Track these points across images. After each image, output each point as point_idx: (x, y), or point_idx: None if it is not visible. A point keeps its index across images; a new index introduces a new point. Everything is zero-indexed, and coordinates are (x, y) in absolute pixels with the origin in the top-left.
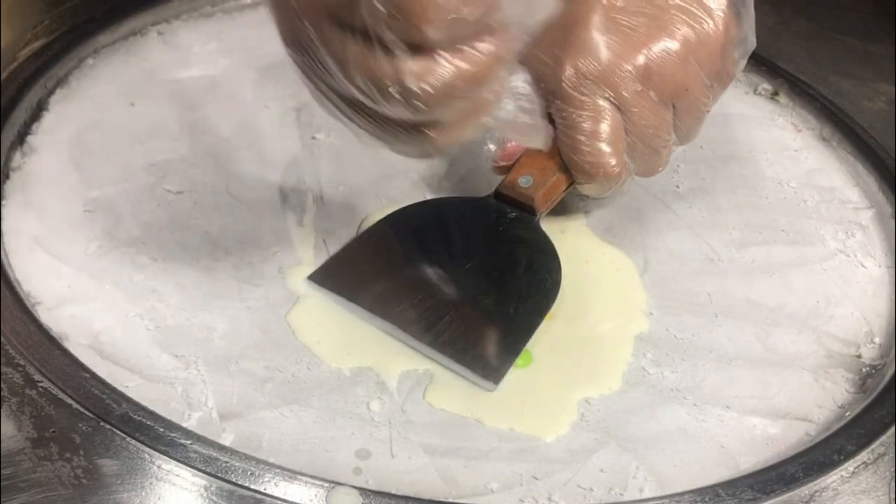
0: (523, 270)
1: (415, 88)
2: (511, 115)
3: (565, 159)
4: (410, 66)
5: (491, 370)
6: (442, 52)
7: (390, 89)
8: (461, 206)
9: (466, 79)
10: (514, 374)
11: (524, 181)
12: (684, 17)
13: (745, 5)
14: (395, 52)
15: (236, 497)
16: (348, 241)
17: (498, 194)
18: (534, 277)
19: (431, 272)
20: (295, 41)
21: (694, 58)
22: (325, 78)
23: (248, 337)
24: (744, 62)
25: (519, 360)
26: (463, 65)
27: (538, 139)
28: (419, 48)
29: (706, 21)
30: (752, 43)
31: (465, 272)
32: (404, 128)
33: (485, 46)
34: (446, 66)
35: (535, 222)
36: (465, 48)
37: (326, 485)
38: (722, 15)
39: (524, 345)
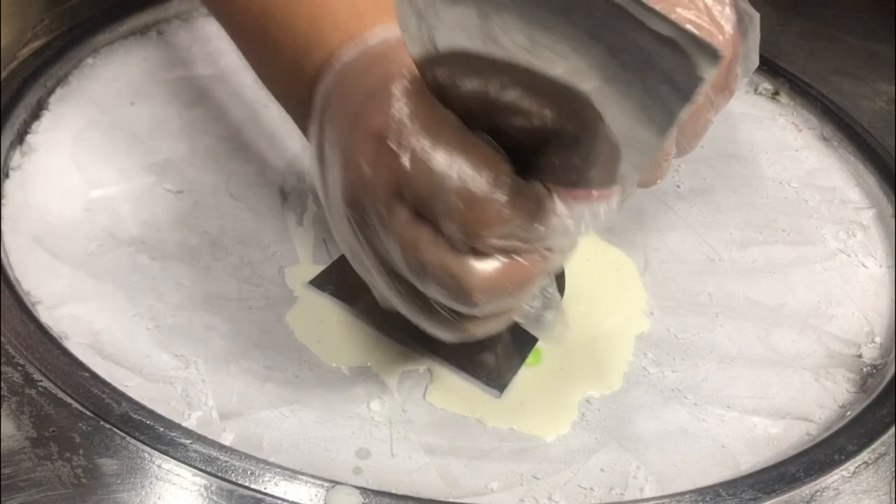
0: None
1: (470, 284)
2: (537, 311)
3: None
4: (472, 264)
5: (495, 378)
6: (501, 258)
7: (446, 280)
8: None
9: (517, 284)
10: (517, 374)
11: None
12: (696, 31)
13: (752, 25)
14: (460, 248)
15: (236, 497)
16: None
17: None
18: None
19: None
20: (357, 203)
21: None
22: (376, 246)
23: (248, 337)
24: (745, 80)
25: (529, 359)
26: (518, 271)
27: (559, 334)
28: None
29: (716, 38)
30: (754, 62)
31: None
32: (438, 310)
33: (535, 259)
34: (503, 271)
35: None
36: (519, 259)
37: (326, 484)
38: (731, 32)
39: (529, 350)
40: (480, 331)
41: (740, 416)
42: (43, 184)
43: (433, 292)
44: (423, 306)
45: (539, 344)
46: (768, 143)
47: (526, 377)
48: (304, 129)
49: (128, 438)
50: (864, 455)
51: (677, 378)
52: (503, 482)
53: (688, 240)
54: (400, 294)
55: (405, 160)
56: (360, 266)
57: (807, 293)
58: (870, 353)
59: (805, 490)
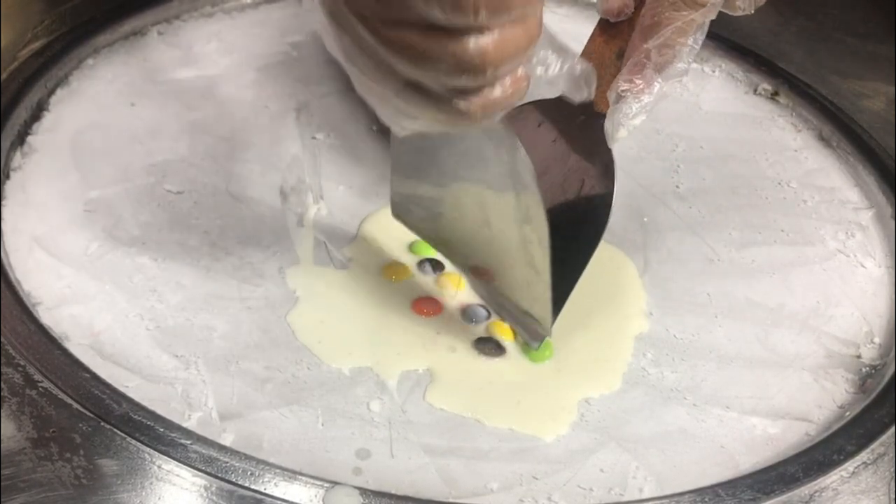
0: (578, 201)
1: (473, 50)
2: (552, 69)
3: None
4: (476, 38)
5: (535, 333)
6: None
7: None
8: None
9: (519, 46)
10: (515, 374)
11: None
12: None
13: None
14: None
15: (236, 497)
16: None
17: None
18: (586, 210)
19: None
20: (348, 52)
21: None
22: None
23: (248, 337)
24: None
25: (541, 353)
26: (514, 31)
27: (583, 87)
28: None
29: None
30: None
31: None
32: (447, 97)
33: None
34: (501, 35)
35: (598, 128)
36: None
37: (326, 485)
38: None
39: (563, 302)
40: (493, 105)
41: (739, 417)
42: (43, 184)
43: (447, 69)
44: (430, 98)
45: (570, 334)
46: (768, 143)
47: (525, 377)
48: None
49: (128, 439)
50: (864, 455)
51: (676, 378)
52: (503, 482)
53: (687, 240)
54: (412, 95)
55: None
56: (366, 88)
57: (806, 293)
58: (869, 353)
59: (804, 490)
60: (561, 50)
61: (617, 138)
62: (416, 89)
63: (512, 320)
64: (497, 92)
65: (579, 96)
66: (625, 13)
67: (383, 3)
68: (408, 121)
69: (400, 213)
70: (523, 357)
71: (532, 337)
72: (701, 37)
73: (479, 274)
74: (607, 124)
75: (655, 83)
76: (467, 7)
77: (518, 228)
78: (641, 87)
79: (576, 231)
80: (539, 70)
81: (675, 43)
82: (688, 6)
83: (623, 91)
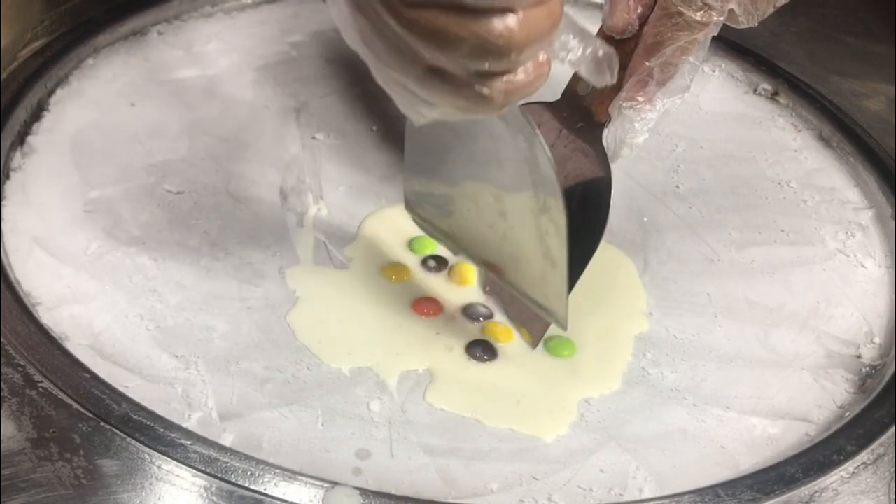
0: (575, 206)
1: (498, 30)
2: (575, 52)
3: None
4: (502, 19)
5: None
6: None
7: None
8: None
9: (542, 28)
10: (515, 374)
11: (583, 86)
12: None
13: None
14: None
15: (236, 497)
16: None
17: (565, 100)
18: (583, 215)
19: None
20: (368, 39)
21: None
22: (396, 41)
23: (248, 337)
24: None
25: (564, 351)
26: (538, 13)
27: (608, 70)
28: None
29: None
30: None
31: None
32: (470, 82)
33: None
34: (525, 16)
35: (596, 137)
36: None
37: (326, 485)
38: None
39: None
40: (516, 91)
41: (739, 417)
42: (43, 184)
43: (465, 52)
44: (452, 84)
45: (570, 334)
46: (768, 143)
47: (525, 377)
48: None
49: (128, 439)
50: (863, 456)
51: (676, 378)
52: (502, 483)
53: (687, 240)
54: (433, 81)
55: None
56: (384, 77)
57: (806, 294)
58: (869, 353)
59: (804, 490)
60: (583, 34)
61: (620, 156)
62: (437, 75)
63: (520, 318)
64: (520, 76)
65: (601, 80)
66: (629, 31)
67: None
68: (427, 108)
69: (413, 207)
70: (522, 357)
71: (534, 329)
72: (703, 53)
73: (492, 268)
74: (609, 140)
75: (658, 100)
76: None
77: (534, 219)
78: (644, 103)
79: (573, 235)
80: (561, 54)
81: (677, 61)
82: (690, 26)
83: (625, 108)
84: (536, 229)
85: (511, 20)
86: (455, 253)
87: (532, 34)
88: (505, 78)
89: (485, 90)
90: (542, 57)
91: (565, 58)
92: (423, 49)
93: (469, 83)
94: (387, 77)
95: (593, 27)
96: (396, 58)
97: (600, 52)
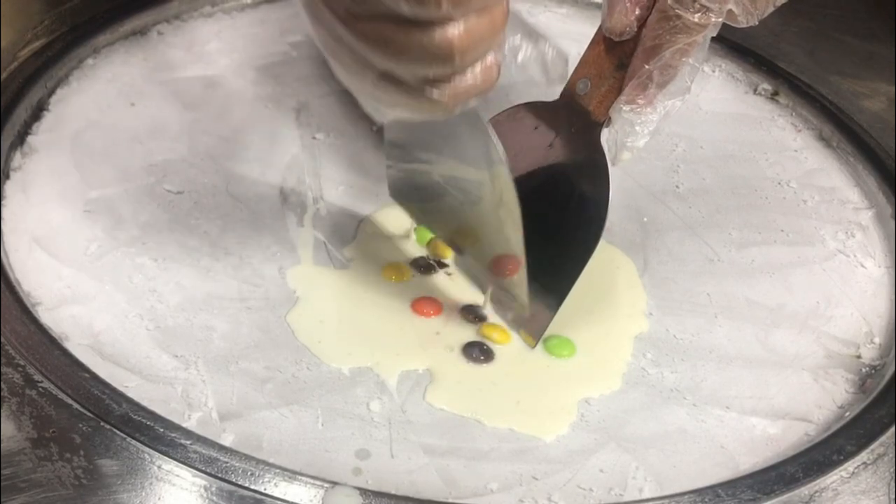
0: (573, 206)
1: (440, 40)
2: (525, 57)
3: None
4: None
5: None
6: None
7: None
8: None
9: (484, 35)
10: (515, 374)
11: (582, 86)
12: None
13: None
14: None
15: (236, 497)
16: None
17: (564, 100)
18: (581, 215)
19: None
20: (329, 46)
21: None
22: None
23: (248, 337)
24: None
25: (564, 351)
26: (480, 21)
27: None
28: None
29: None
30: None
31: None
32: (422, 86)
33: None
34: (466, 26)
35: (594, 137)
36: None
37: (326, 485)
38: None
39: (559, 304)
40: (464, 93)
41: (739, 417)
42: (43, 184)
43: (419, 57)
44: (404, 89)
45: (569, 334)
46: (768, 143)
47: (525, 377)
48: None
49: (128, 439)
50: (863, 456)
51: (676, 379)
52: (502, 483)
53: (687, 240)
54: (387, 86)
55: None
56: (346, 80)
57: (806, 294)
58: (869, 353)
59: (804, 490)
60: (532, 35)
61: (621, 160)
62: (391, 80)
63: (518, 321)
64: (468, 80)
65: (550, 81)
66: (627, 33)
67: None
68: (386, 109)
69: (396, 195)
70: (522, 357)
71: (532, 328)
72: (702, 55)
73: (468, 253)
74: (609, 143)
75: (658, 102)
76: (430, 0)
77: (494, 211)
78: (644, 105)
79: (571, 235)
80: (510, 56)
81: (677, 63)
82: (689, 28)
83: (626, 111)
84: (497, 220)
85: (452, 30)
86: (436, 236)
87: (473, 41)
88: (453, 82)
89: (434, 94)
90: (489, 60)
91: (513, 60)
92: (375, 57)
93: (419, 88)
94: (348, 80)
95: (593, 27)
96: (354, 64)
97: (549, 54)
